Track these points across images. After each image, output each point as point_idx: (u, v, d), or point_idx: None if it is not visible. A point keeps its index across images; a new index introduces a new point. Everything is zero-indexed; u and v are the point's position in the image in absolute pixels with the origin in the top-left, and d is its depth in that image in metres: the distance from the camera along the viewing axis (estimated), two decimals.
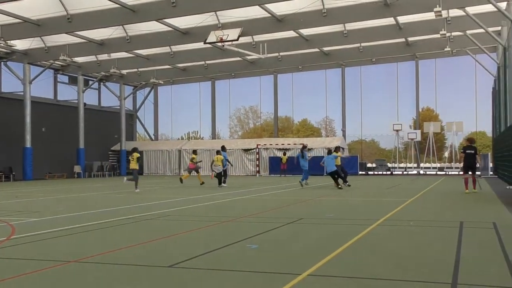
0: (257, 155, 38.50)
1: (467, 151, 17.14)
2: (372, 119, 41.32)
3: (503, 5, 24.24)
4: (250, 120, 51.22)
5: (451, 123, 37.15)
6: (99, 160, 40.59)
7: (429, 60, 38.92)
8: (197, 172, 24.02)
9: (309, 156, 21.95)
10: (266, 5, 25.35)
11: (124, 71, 39.33)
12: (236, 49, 27.67)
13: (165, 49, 35.21)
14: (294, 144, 38.57)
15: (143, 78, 41.71)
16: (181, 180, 23.77)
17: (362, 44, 34.78)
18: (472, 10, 25.01)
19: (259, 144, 38.90)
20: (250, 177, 34.61)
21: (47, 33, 29.41)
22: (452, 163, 38.93)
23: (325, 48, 35.37)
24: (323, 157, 21.94)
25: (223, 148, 23.24)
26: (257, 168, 38.34)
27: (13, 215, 11.36)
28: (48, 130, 37.59)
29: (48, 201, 15.71)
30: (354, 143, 41.83)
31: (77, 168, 37.94)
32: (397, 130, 38.01)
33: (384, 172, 38.20)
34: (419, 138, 38.24)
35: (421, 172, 37.72)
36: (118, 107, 43.20)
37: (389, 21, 29.00)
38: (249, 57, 36.79)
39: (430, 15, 25.26)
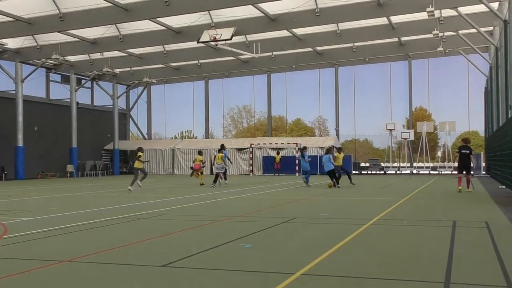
0: (251, 155, 38.50)
1: (462, 151, 17.23)
2: (366, 119, 41.44)
3: (495, 5, 24.35)
4: (244, 119, 51.23)
5: (444, 123, 37.32)
6: (92, 159, 40.43)
7: (422, 60, 39.07)
8: (201, 173, 24.17)
9: (309, 157, 22.12)
10: (259, 4, 25.33)
11: (117, 70, 39.19)
12: (229, 48, 27.62)
13: (158, 48, 35.11)
14: (288, 143, 38.63)
15: (136, 77, 41.57)
16: (191, 174, 23.54)
17: (355, 44, 34.85)
18: (464, 10, 25.12)
19: (253, 144, 38.90)
20: (243, 177, 34.60)
21: (39, 32, 29.24)
22: (445, 163, 39.11)
23: (319, 48, 35.41)
24: (316, 156, 22.17)
25: (223, 146, 23.53)
26: (251, 167, 38.34)
27: (5, 214, 11.30)
28: (41, 129, 37.41)
29: (41, 200, 15.63)
30: (347, 143, 41.90)
31: (70, 168, 37.78)
32: (390, 130, 38.13)
33: (378, 172, 38.31)
34: (412, 138, 38.38)
35: (414, 171, 37.86)
36: (111, 106, 43.05)
37: (382, 21, 29.06)
38: (242, 57, 36.76)
39: (423, 15, 25.35)
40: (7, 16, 26.94)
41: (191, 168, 24.29)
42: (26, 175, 33.97)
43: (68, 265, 5.84)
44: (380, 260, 5.95)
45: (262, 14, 27.04)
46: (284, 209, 12.05)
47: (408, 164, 39.64)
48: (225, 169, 22.96)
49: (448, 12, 26.90)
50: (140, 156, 19.95)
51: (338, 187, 20.08)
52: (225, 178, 22.91)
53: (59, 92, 39.79)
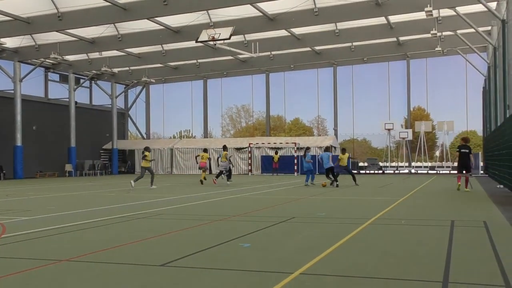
0: (249, 154, 38.51)
1: (462, 150, 17.28)
2: (364, 118, 41.48)
3: (493, 5, 24.40)
4: (242, 119, 51.24)
5: (442, 123, 37.37)
6: (90, 158, 40.41)
7: (420, 59, 39.11)
8: (204, 170, 24.32)
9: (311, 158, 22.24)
10: (258, 4, 25.34)
11: (115, 70, 39.18)
12: (228, 48, 27.62)
13: (157, 48, 35.10)
14: (286, 143, 38.65)
15: (135, 76, 41.54)
16: (201, 182, 23.51)
17: (354, 44, 34.89)
18: (462, 10, 25.17)
19: (251, 143, 38.92)
20: (242, 176, 34.61)
21: (37, 31, 29.21)
22: (443, 162, 39.16)
23: (317, 47, 35.43)
24: (314, 156, 22.33)
25: (225, 147, 23.76)
26: (250, 167, 38.35)
27: (4, 213, 11.29)
28: (39, 128, 37.39)
29: (39, 200, 15.62)
30: (346, 142, 41.92)
31: (68, 167, 37.76)
32: (388, 129, 38.17)
33: (376, 171, 38.34)
34: (410, 137, 38.43)
35: (413, 171, 37.90)
36: (110, 106, 43.02)
37: (381, 20, 29.10)
38: (241, 56, 36.77)
39: (421, 15, 25.40)
40: (5, 15, 26.91)
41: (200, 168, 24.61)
42: (24, 174, 33.96)
43: (66, 264, 5.84)
44: (379, 259, 5.96)
45: (261, 14, 27.05)
46: (283, 209, 12.06)
47: (407, 164, 39.68)
48: (230, 169, 23.11)
49: (446, 12, 26.94)
50: (146, 155, 20.34)
51: (337, 185, 20.32)
52: (229, 177, 22.88)
53: (58, 91, 39.76)
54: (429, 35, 28.01)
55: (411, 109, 41.52)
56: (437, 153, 43.02)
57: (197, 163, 25.81)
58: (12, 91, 34.02)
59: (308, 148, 22.77)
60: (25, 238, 7.86)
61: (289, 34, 31.31)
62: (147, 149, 20.84)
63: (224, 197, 15.85)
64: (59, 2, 26.56)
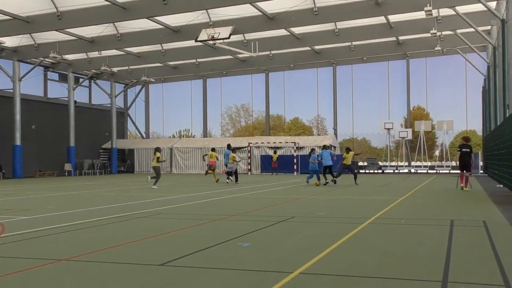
0: (249, 154, 38.50)
1: (463, 150, 17.31)
2: (363, 118, 41.46)
3: (493, 4, 24.39)
4: (242, 118, 51.20)
5: (442, 122, 37.36)
6: (90, 158, 40.39)
7: (420, 59, 39.08)
8: (213, 170, 24.52)
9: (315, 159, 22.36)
10: (257, 3, 25.32)
11: (115, 69, 39.12)
12: (227, 47, 27.61)
13: (156, 47, 35.07)
14: (286, 142, 38.64)
15: (134, 76, 41.52)
16: (217, 181, 23.72)
17: (353, 43, 34.87)
18: (462, 9, 25.16)
19: (251, 143, 38.91)
20: (242, 175, 34.48)
21: (36, 30, 29.18)
22: (443, 162, 39.16)
23: (317, 47, 35.41)
24: (309, 155, 22.47)
25: (229, 146, 24.06)
26: (249, 166, 38.34)
27: (3, 213, 11.28)
28: (38, 127, 37.37)
29: (38, 199, 15.61)
30: (345, 142, 41.91)
31: (68, 166, 37.74)
32: (388, 129, 38.16)
33: (376, 171, 38.34)
34: (410, 137, 38.42)
35: (412, 170, 37.90)
36: (109, 105, 42.99)
37: (380, 20, 29.09)
38: (240, 55, 36.76)
39: (421, 14, 25.38)
40: (5, 14, 26.88)
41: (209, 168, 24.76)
42: (23, 173, 33.94)
43: (65, 264, 5.83)
44: (378, 259, 5.95)
45: (260, 13, 27.03)
46: (282, 208, 12.06)
47: (406, 163, 39.68)
48: (236, 169, 23.33)
49: (446, 11, 26.93)
50: (158, 157, 20.69)
51: (335, 181, 20.77)
52: (237, 180, 22.95)
53: (57, 90, 39.75)
54: (428, 35, 28.00)
55: (411, 109, 41.51)
56: (437, 153, 43.02)
57: (203, 160, 26.08)
58: (11, 90, 33.98)
59: (313, 150, 22.98)
60: (24, 237, 7.86)
61: (289, 33, 31.29)
62: (158, 149, 21.21)
63: (223, 196, 15.85)
64: (59, 1, 26.53)
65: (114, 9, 26.01)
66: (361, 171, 38.75)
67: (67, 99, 38.39)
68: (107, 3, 25.57)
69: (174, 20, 28.63)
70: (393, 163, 40.26)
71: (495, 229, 8.19)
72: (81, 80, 40.63)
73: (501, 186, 19.05)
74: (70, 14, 26.98)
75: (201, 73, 43.21)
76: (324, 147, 22.43)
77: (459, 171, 18.30)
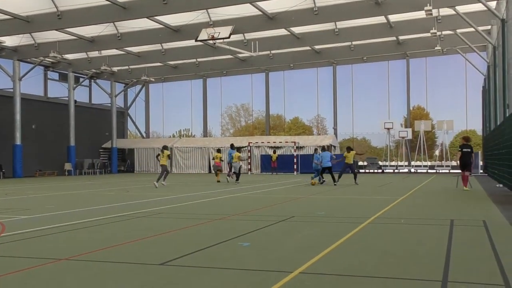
0: (249, 153, 38.50)
1: (464, 150, 17.34)
2: (363, 118, 41.46)
3: (493, 4, 24.39)
4: (242, 118, 51.20)
5: (442, 122, 37.35)
6: (90, 157, 40.40)
7: (420, 58, 39.08)
8: (220, 170, 24.85)
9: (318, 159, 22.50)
10: (257, 3, 25.32)
11: (115, 69, 39.14)
12: (227, 47, 27.61)
13: (156, 47, 35.08)
14: (286, 142, 38.64)
15: (134, 75, 41.53)
16: (218, 181, 23.94)
17: (354, 43, 34.87)
18: (462, 9, 25.16)
19: (251, 142, 38.90)
20: (242, 175, 34.48)
21: (37, 30, 29.19)
22: (442, 161, 39.15)
23: (317, 46, 35.41)
24: (313, 155, 22.57)
25: (232, 146, 24.30)
26: (249, 166, 38.34)
27: (3, 212, 11.28)
28: (39, 127, 37.38)
29: (38, 198, 15.61)
30: (345, 141, 41.92)
31: (68, 166, 37.74)
32: (388, 129, 38.15)
33: (375, 170, 38.33)
34: (410, 137, 38.42)
35: (412, 170, 37.89)
36: (109, 105, 42.99)
37: (380, 19, 29.09)
38: (240, 55, 36.77)
39: (421, 14, 25.39)
40: (5, 14, 26.89)
41: (214, 166, 25.18)
42: (24, 173, 33.95)
43: (65, 263, 5.83)
44: (378, 258, 5.95)
45: (260, 13, 27.04)
46: (282, 208, 12.06)
47: (406, 163, 39.68)
48: (240, 168, 23.68)
49: (446, 11, 26.93)
50: (168, 154, 21.09)
51: (335, 184, 20.72)
52: (237, 179, 23.33)
53: (57, 90, 39.75)
54: (428, 34, 28.00)
55: (411, 108, 41.52)
56: (437, 152, 43.01)
57: (213, 162, 26.50)
58: (12, 90, 33.99)
59: (316, 150, 23.16)
60: (24, 237, 7.86)
61: (289, 33, 31.30)
62: (165, 147, 21.52)
63: (223, 196, 15.85)
64: (59, 1, 26.54)
65: (114, 8, 26.02)
66: (361, 170, 38.75)
67: (67, 98, 38.39)
68: (107, 2, 25.57)
69: (174, 19, 28.64)
70: (393, 163, 40.26)
71: (495, 228, 8.19)
72: (81, 79, 40.64)
73: (501, 185, 19.05)
74: (70, 14, 26.98)
75: (201, 73, 43.21)
76: (323, 149, 22.52)
77: (459, 171, 18.35)
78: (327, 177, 22.11)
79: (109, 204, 13.33)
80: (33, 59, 34.96)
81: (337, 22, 29.97)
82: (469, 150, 17.38)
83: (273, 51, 36.51)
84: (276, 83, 43.68)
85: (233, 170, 23.62)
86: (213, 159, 25.71)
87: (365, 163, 39.75)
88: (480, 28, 26.01)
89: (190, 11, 26.12)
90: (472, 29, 26.61)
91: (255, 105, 46.62)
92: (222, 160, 25.55)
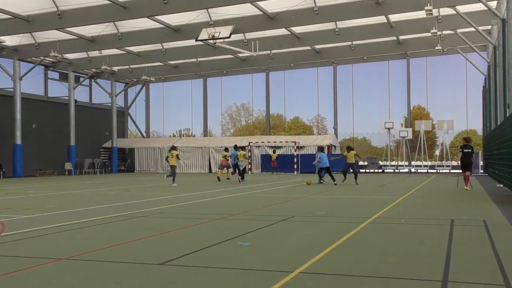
0: (249, 153, 38.50)
1: (465, 150, 17.37)
2: (364, 117, 41.45)
3: (493, 4, 24.37)
4: (242, 117, 51.21)
5: (442, 122, 37.34)
6: (90, 157, 40.41)
7: (420, 58, 39.07)
8: (228, 168, 25.16)
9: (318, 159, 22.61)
10: (258, 2, 25.33)
11: (115, 68, 39.17)
12: (228, 46, 27.62)
13: (157, 46, 35.08)
14: (286, 142, 38.64)
15: (135, 75, 41.54)
16: (218, 179, 24.19)
17: (354, 42, 34.87)
18: (462, 9, 25.16)
19: (251, 142, 38.90)
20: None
21: (37, 29, 29.20)
22: (443, 161, 39.14)
23: (317, 46, 35.40)
24: (314, 154, 22.66)
25: (236, 147, 24.61)
26: (249, 165, 38.33)
27: (3, 212, 11.28)
28: (39, 127, 37.39)
29: (39, 198, 15.61)
30: (345, 141, 41.91)
31: (68, 165, 37.75)
32: (388, 128, 38.13)
33: (376, 170, 38.33)
34: (410, 136, 38.40)
35: (413, 170, 37.89)
36: (110, 104, 43.00)
37: (381, 19, 29.09)
38: (241, 55, 36.77)
39: (421, 14, 25.38)
40: (5, 13, 26.90)
41: (219, 167, 25.54)
42: (24, 172, 33.96)
43: (66, 262, 5.83)
44: (378, 258, 5.95)
45: (261, 12, 27.04)
46: (282, 207, 12.05)
47: (406, 163, 39.67)
48: (242, 168, 23.96)
49: (446, 11, 26.93)
50: (177, 154, 21.31)
51: (335, 184, 20.84)
52: (242, 177, 23.80)
53: (57, 90, 39.76)
54: (429, 34, 28.00)
55: (411, 108, 41.51)
56: (437, 152, 43.01)
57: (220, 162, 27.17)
58: (12, 90, 34.00)
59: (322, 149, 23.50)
60: (24, 236, 7.86)
61: (289, 32, 31.30)
62: (174, 148, 21.74)
63: (223, 196, 15.85)
64: (59, 1, 26.55)
65: (114, 8, 26.02)
66: (361, 170, 38.74)
67: (67, 98, 38.40)
68: (108, 2, 25.58)
69: (175, 19, 28.64)
70: (393, 163, 40.26)
71: (495, 228, 8.19)
72: (81, 79, 40.65)
73: (501, 185, 19.05)
74: (71, 13, 26.99)
75: (202, 72, 43.22)
76: (321, 149, 22.71)
77: (460, 171, 18.39)
78: (326, 177, 22.24)
79: (109, 203, 13.33)
80: (34, 58, 34.98)
81: (337, 22, 29.97)
82: (469, 150, 17.42)
83: (273, 51, 36.51)
84: (276, 83, 43.69)
85: (241, 169, 23.88)
86: (224, 157, 26.04)
87: (366, 163, 39.74)
88: (481, 28, 26.00)
89: (191, 10, 26.13)
90: (472, 29, 26.60)
91: (255, 105, 46.68)
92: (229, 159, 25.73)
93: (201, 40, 26.11)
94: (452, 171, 35.91)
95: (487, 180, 25.03)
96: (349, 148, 22.55)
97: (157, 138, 46.28)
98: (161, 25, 29.34)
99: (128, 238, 7.51)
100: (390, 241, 7.22)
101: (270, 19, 27.70)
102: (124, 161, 43.97)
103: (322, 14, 26.75)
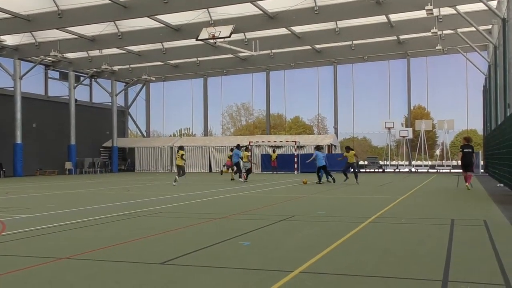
0: (250, 152, 38.44)
1: (465, 150, 17.39)
2: (364, 117, 41.45)
3: (494, 3, 24.37)
4: (242, 117, 51.22)
5: (443, 121, 37.33)
6: (90, 156, 40.40)
7: (421, 58, 39.06)
8: (232, 168, 25.47)
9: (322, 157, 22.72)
10: (258, 2, 25.33)
11: (115, 68, 39.16)
12: (228, 46, 27.62)
13: (157, 46, 35.08)
14: (287, 141, 38.63)
15: (135, 74, 41.54)
16: (221, 173, 24.68)
17: (354, 42, 34.86)
18: (463, 8, 25.14)
19: (251, 141, 38.89)
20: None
21: (37, 29, 29.21)
22: (443, 161, 39.13)
23: (317, 46, 35.40)
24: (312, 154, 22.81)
25: (238, 146, 24.76)
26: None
27: (4, 211, 11.29)
28: (39, 126, 37.39)
29: (39, 197, 15.62)
30: (346, 141, 41.91)
31: (68, 165, 37.76)
32: (389, 128, 38.13)
33: (376, 170, 38.32)
34: (410, 136, 38.40)
35: (413, 169, 37.89)
36: (110, 104, 43.00)
37: (381, 19, 29.08)
38: (241, 54, 36.76)
39: (422, 13, 25.36)
40: (5, 12, 26.90)
41: (225, 166, 25.91)
42: (24, 172, 33.97)
43: (66, 262, 5.84)
44: (379, 258, 5.95)
45: (261, 12, 27.03)
46: (283, 207, 12.06)
47: (407, 162, 39.66)
48: (250, 167, 24.44)
49: (447, 10, 26.92)
50: (183, 154, 21.53)
51: (333, 180, 21.50)
52: (247, 176, 24.17)
53: (58, 89, 39.78)
54: (429, 34, 27.99)
55: (412, 108, 41.50)
56: (437, 152, 43.00)
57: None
58: (12, 89, 34.01)
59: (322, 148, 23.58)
60: (25, 235, 7.86)
61: (290, 32, 31.29)
62: (181, 148, 21.93)
63: (223, 195, 15.85)
64: (60, 0, 26.54)
65: (115, 7, 26.02)
66: (361, 170, 38.74)
67: (67, 97, 38.40)
68: (108, 1, 25.57)
69: (175, 18, 28.64)
70: (393, 162, 40.26)
71: (495, 228, 8.19)
72: (81, 78, 40.66)
73: (502, 185, 19.04)
74: (71, 13, 26.99)
75: (202, 72, 43.21)
76: (317, 148, 22.84)
77: (461, 171, 18.43)
78: (325, 178, 22.40)
79: (109, 203, 13.34)
80: (34, 58, 34.98)
81: (337, 22, 29.96)
82: (470, 150, 17.45)
83: (273, 50, 36.50)
84: (276, 83, 43.68)
85: (243, 170, 24.02)
86: (229, 157, 26.40)
87: (366, 163, 39.74)
88: (481, 28, 25.98)
89: (191, 10, 26.13)
90: (473, 29, 26.58)
91: (255, 104, 46.67)
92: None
93: (201, 40, 26.12)
94: (452, 170, 35.90)
95: (487, 179, 25.03)
96: (348, 148, 22.66)
97: (157, 138, 46.28)
98: (162, 25, 29.34)
99: (128, 237, 7.52)
100: (390, 240, 7.22)
101: (271, 19, 27.69)
102: (124, 160, 43.98)
103: (322, 14, 26.74)
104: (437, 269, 5.28)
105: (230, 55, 37.56)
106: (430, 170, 37.73)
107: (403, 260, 5.82)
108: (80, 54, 36.48)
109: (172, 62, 39.77)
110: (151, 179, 27.19)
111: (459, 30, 29.30)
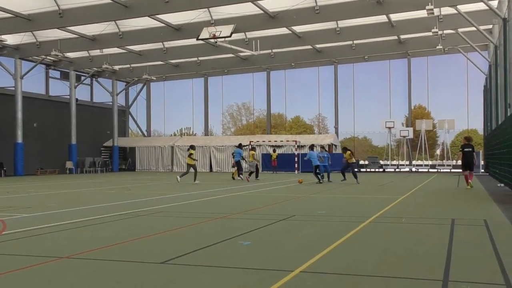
0: (255, 151, 38.43)
1: (465, 149, 17.40)
2: (365, 117, 41.43)
3: (494, 3, 24.36)
4: (243, 116, 51.20)
5: (443, 121, 37.31)
6: (91, 156, 40.42)
7: (421, 58, 39.03)
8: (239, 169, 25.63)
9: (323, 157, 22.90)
10: (259, 1, 25.35)
11: (116, 67, 39.16)
12: (229, 45, 27.61)
13: (158, 45, 35.08)
14: (287, 141, 38.63)
15: (136, 74, 41.55)
16: (233, 178, 25.13)
17: (355, 42, 34.86)
18: (463, 8, 25.13)
19: (252, 141, 38.87)
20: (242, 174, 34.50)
21: (38, 28, 29.23)
22: (444, 161, 39.12)
23: (318, 45, 35.39)
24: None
25: (240, 145, 25.02)
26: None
27: (4, 210, 11.30)
28: (40, 125, 37.41)
29: (40, 197, 15.63)
30: (346, 140, 41.91)
31: (69, 164, 37.77)
32: (389, 128, 38.11)
33: (377, 169, 38.32)
34: (411, 136, 38.38)
35: (413, 169, 37.88)
36: (111, 103, 43.02)
37: (382, 18, 29.07)
38: (242, 54, 36.75)
39: (422, 13, 25.35)
40: (6, 12, 26.91)
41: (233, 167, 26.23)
42: (25, 171, 33.99)
43: (66, 261, 5.84)
44: (379, 257, 5.95)
45: (262, 12, 27.04)
46: (283, 207, 12.06)
47: (407, 162, 39.66)
48: (257, 167, 24.70)
49: (447, 10, 26.92)
50: (192, 153, 21.62)
51: (329, 180, 21.72)
52: (257, 176, 24.70)
53: (59, 88, 39.79)
54: (430, 34, 27.98)
55: (412, 108, 41.48)
56: (438, 152, 42.98)
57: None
58: (13, 88, 34.02)
59: (323, 147, 23.53)
60: (25, 235, 7.87)
61: (290, 32, 31.29)
62: (192, 147, 22.05)
63: (224, 194, 15.85)
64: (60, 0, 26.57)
65: (115, 7, 26.03)
66: (362, 170, 38.73)
67: (68, 97, 38.41)
68: (109, 1, 25.58)
69: (176, 18, 28.64)
70: (394, 162, 40.24)
71: (496, 228, 8.18)
72: (82, 78, 40.67)
73: (502, 185, 19.04)
74: (72, 12, 27.00)
75: (203, 72, 43.21)
76: (312, 148, 22.93)
77: (461, 171, 18.45)
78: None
79: (110, 202, 13.34)
80: (35, 57, 35.00)
81: (338, 21, 29.96)
82: (470, 149, 17.45)
83: (274, 50, 36.50)
84: (277, 82, 43.67)
85: (249, 170, 24.23)
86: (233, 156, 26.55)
87: (367, 162, 39.73)
88: (482, 27, 25.98)
89: (191, 9, 26.14)
90: (473, 28, 26.57)
91: (256, 104, 46.66)
92: (244, 159, 26.03)
93: (202, 39, 26.12)
94: (453, 170, 35.89)
95: (488, 179, 25.02)
96: (345, 149, 22.71)
97: (158, 137, 46.28)
98: (162, 24, 29.34)
99: (129, 237, 7.52)
100: (390, 240, 7.22)
101: (271, 18, 27.69)
102: (125, 160, 43.99)
103: (323, 13, 26.74)
104: (437, 269, 5.29)
105: (231, 55, 37.57)
106: (430, 170, 37.72)
107: (404, 260, 5.82)
108: (81, 53, 36.49)
109: (173, 61, 39.78)
110: (151, 179, 27.20)
111: (460, 30, 29.28)
